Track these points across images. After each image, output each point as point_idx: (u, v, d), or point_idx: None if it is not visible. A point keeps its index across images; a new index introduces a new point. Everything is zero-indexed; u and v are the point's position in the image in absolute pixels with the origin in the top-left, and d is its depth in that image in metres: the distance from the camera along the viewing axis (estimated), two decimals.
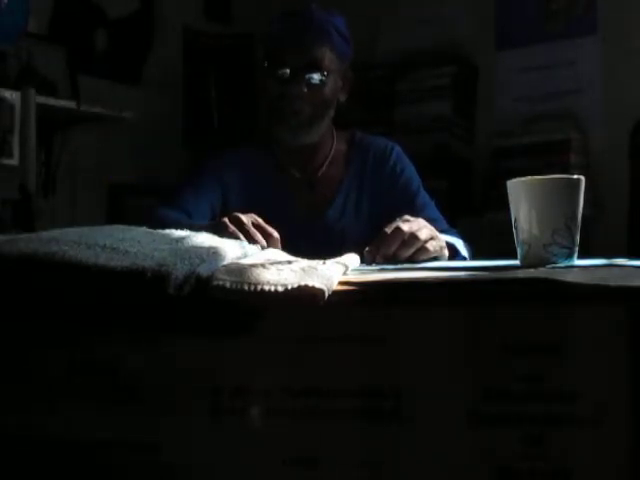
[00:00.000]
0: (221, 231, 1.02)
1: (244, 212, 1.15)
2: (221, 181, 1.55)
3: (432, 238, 1.19)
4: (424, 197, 1.60)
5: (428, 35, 3.00)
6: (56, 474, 0.70)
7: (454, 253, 1.31)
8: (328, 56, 1.53)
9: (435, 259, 1.20)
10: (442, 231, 1.35)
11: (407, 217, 1.20)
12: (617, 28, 2.64)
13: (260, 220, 1.13)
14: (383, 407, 0.63)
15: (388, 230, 1.14)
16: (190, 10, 3.31)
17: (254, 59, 3.27)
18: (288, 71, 1.51)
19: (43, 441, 0.70)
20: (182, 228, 0.85)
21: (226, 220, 1.13)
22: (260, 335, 0.65)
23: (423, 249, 1.16)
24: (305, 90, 1.51)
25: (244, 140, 1.65)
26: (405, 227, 1.14)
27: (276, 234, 1.11)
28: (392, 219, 1.19)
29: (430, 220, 1.31)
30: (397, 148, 1.64)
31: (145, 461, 0.67)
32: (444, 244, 1.25)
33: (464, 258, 1.36)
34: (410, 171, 1.63)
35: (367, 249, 1.11)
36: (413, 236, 1.14)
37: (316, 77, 1.51)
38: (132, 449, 0.68)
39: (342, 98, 1.61)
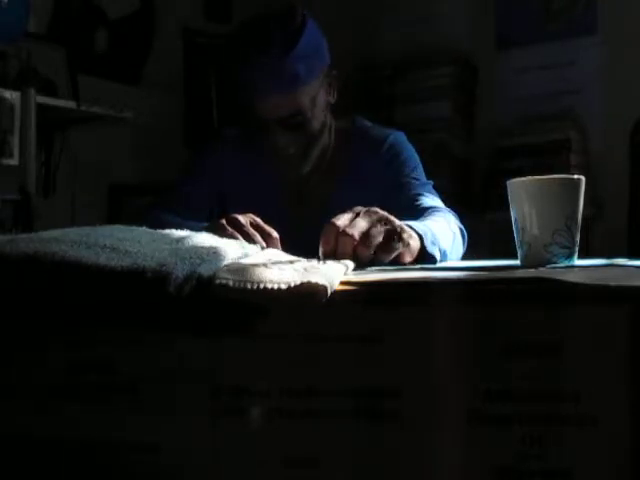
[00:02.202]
0: (219, 233, 1.01)
1: (242, 212, 1.14)
2: (219, 180, 1.54)
3: (378, 222, 0.96)
4: (418, 177, 1.50)
5: (428, 35, 3.00)
6: (55, 474, 0.70)
7: (423, 253, 1.05)
8: (307, 94, 1.42)
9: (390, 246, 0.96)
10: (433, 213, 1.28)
11: (358, 208, 0.99)
12: (617, 28, 2.65)
13: (259, 220, 1.11)
14: (383, 407, 0.63)
15: (326, 226, 0.95)
16: (190, 10, 3.31)
17: None
18: (269, 119, 1.41)
19: (42, 441, 0.70)
20: (181, 229, 0.85)
21: (223, 222, 1.11)
22: (260, 335, 0.65)
23: (365, 242, 0.93)
24: (292, 137, 1.43)
25: (244, 139, 1.62)
26: (339, 221, 0.94)
27: (275, 234, 1.09)
28: (383, 206, 1.01)
29: (417, 197, 1.25)
30: (395, 135, 1.56)
31: (145, 461, 0.67)
32: (398, 225, 0.98)
33: (432, 257, 1.05)
34: (407, 156, 1.53)
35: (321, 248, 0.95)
36: (344, 233, 0.92)
37: (301, 119, 1.42)
38: (131, 449, 0.68)
39: (332, 100, 1.52)
